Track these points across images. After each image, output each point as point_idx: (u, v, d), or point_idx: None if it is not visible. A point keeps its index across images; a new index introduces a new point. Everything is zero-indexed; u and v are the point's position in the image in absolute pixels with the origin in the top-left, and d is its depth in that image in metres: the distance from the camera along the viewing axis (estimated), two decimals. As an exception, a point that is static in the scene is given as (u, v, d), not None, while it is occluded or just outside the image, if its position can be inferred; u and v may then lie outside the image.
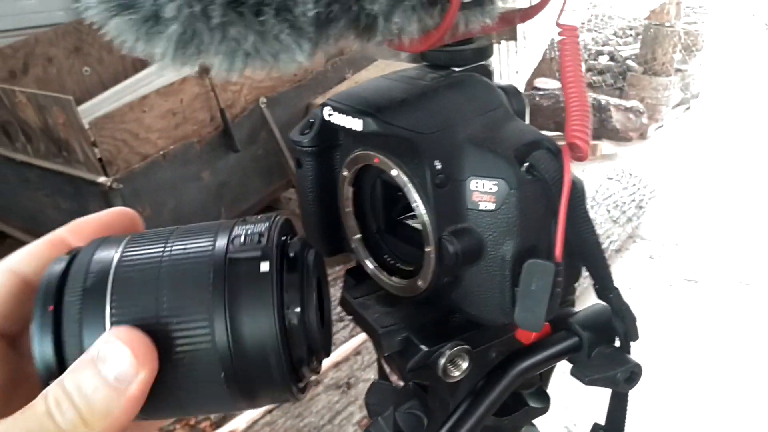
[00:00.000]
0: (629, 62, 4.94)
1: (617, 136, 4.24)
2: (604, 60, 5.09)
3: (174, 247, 0.33)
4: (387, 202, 0.46)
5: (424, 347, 0.42)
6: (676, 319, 2.52)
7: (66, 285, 0.32)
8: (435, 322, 0.44)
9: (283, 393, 0.33)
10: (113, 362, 0.30)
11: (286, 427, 2.16)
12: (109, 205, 1.88)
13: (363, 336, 2.52)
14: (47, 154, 2.39)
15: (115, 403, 0.30)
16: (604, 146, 4.22)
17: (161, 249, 0.33)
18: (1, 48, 2.95)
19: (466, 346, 0.43)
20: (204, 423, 2.13)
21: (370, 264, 0.47)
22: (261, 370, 0.32)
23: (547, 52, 4.52)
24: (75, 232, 0.37)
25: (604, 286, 0.43)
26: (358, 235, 0.47)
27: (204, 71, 2.59)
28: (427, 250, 0.41)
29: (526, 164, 0.39)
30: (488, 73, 0.44)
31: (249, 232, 0.34)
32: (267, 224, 0.34)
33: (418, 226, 0.42)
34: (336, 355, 2.42)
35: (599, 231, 2.85)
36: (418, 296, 0.43)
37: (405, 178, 0.40)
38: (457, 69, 0.43)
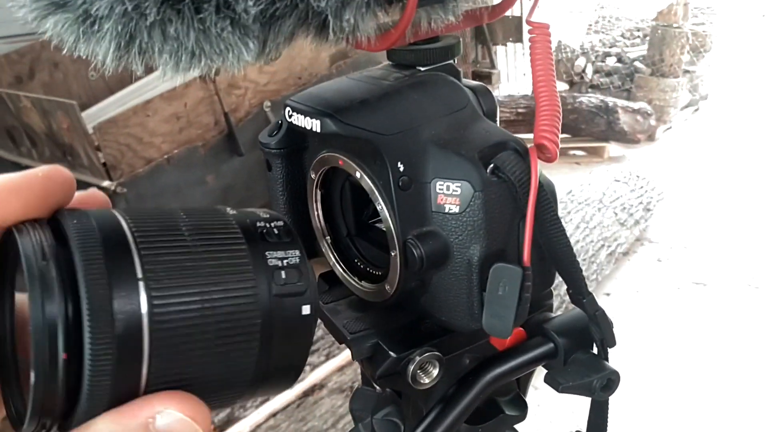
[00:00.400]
0: (637, 64, 4.91)
1: (625, 138, 4.21)
2: (611, 61, 5.06)
3: (212, 294, 0.29)
4: (356, 204, 0.45)
5: (393, 353, 0.41)
6: (684, 323, 2.49)
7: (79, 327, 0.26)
8: (405, 328, 0.43)
9: None
10: None
11: (289, 431, 2.16)
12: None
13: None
14: (52, 158, 2.41)
15: None
16: (612, 148, 4.19)
17: (199, 277, 0.29)
18: (8, 53, 2.97)
19: (436, 353, 0.42)
20: (207, 427, 2.12)
21: (339, 268, 0.46)
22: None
23: (554, 54, 4.49)
24: None
25: (577, 291, 0.41)
26: (328, 239, 0.46)
27: (207, 75, 2.60)
28: (392, 254, 0.40)
29: (491, 165, 0.38)
30: (455, 73, 0.43)
31: (285, 262, 0.32)
32: (298, 251, 0.33)
33: (385, 229, 0.41)
34: (340, 359, 2.42)
35: (607, 234, 2.84)
36: (387, 301, 0.42)
37: (369, 181, 0.39)
38: (422, 68, 0.42)
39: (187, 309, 0.28)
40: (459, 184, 0.37)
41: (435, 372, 0.42)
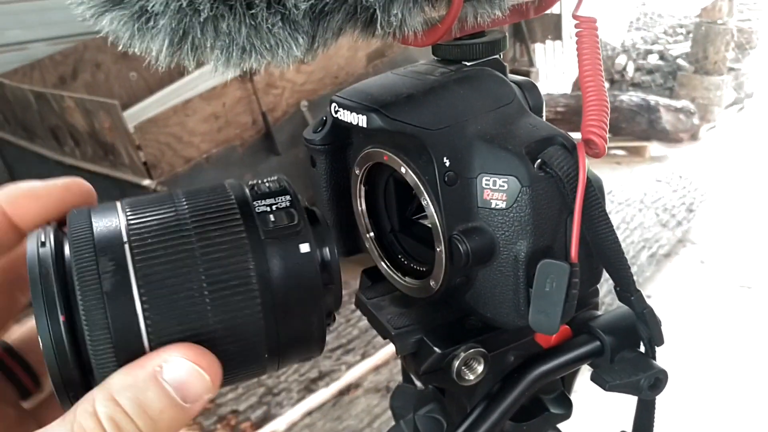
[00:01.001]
0: (680, 61, 4.81)
1: (667, 137, 4.13)
2: (653, 59, 4.97)
3: (199, 233, 0.31)
4: (400, 200, 0.45)
5: (437, 349, 0.41)
6: (728, 327, 2.43)
7: (73, 283, 0.29)
8: (450, 324, 0.43)
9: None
10: (186, 383, 0.28)
11: (325, 430, 2.17)
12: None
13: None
14: (94, 157, 2.45)
15: (180, 422, 0.29)
16: (654, 148, 4.11)
17: (183, 233, 0.31)
18: (52, 55, 3.05)
19: (481, 349, 0.41)
20: (245, 424, 2.15)
21: (383, 264, 0.46)
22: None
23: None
24: (18, 205, 0.34)
25: (625, 288, 0.41)
26: (372, 235, 0.46)
27: (246, 74, 2.63)
28: (437, 249, 0.40)
29: (539, 161, 0.37)
30: (501, 68, 0.43)
31: (274, 207, 0.33)
32: (288, 196, 0.34)
33: (430, 225, 0.41)
34: (376, 359, 2.42)
35: (648, 235, 2.79)
36: (432, 297, 0.42)
37: (414, 176, 0.39)
38: (468, 63, 0.42)
39: (173, 260, 0.30)
40: (506, 180, 0.37)
41: (480, 368, 0.42)
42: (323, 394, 2.27)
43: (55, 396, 0.30)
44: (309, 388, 2.33)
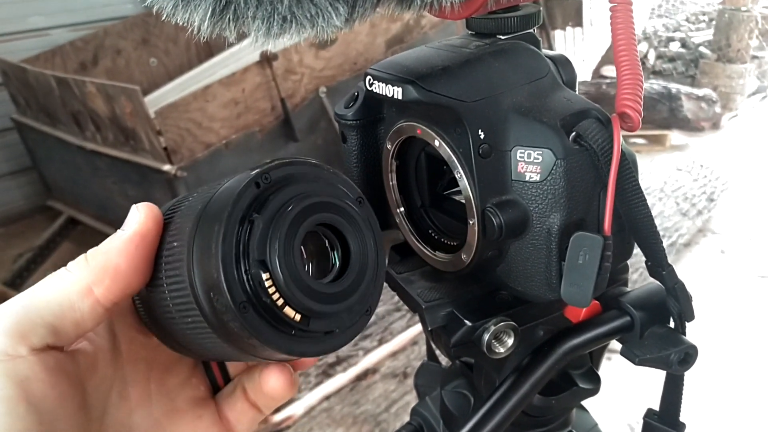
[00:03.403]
0: (702, 49, 4.75)
1: (688, 125, 4.09)
2: (675, 47, 4.91)
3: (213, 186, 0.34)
4: (431, 175, 0.46)
5: (468, 322, 0.42)
6: (748, 316, 2.41)
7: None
8: (480, 298, 0.44)
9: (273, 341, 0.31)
10: (126, 220, 0.33)
11: (343, 414, 2.19)
12: (173, 193, 1.91)
13: (420, 326, 2.52)
14: (115, 142, 2.47)
15: (113, 243, 0.33)
16: (674, 136, 4.07)
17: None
18: (73, 41, 3.07)
19: (511, 323, 0.42)
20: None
21: (414, 238, 0.46)
22: (222, 313, 0.30)
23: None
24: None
25: (657, 263, 0.41)
26: (403, 210, 0.47)
27: (266, 59, 2.63)
28: (470, 222, 0.40)
29: (573, 134, 0.38)
30: (535, 41, 0.43)
31: (263, 163, 0.33)
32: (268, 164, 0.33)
33: (462, 199, 0.41)
34: (393, 344, 2.43)
35: (668, 224, 2.77)
36: (463, 271, 0.42)
37: (448, 149, 0.40)
38: (502, 37, 0.42)
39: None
40: (540, 152, 0.37)
41: (510, 342, 0.42)
42: (341, 379, 2.29)
43: None
44: (327, 372, 2.35)
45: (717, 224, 3.09)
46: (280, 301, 0.30)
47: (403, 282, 0.46)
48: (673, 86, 4.20)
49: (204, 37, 0.34)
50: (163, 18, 0.33)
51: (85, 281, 0.32)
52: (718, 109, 4.15)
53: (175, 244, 0.32)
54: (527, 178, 0.38)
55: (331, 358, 2.44)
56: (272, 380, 0.36)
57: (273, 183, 0.32)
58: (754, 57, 4.68)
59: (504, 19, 0.41)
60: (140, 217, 0.33)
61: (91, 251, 0.33)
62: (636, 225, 0.39)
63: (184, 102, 2.42)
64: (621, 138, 0.38)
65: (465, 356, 0.46)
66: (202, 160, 2.48)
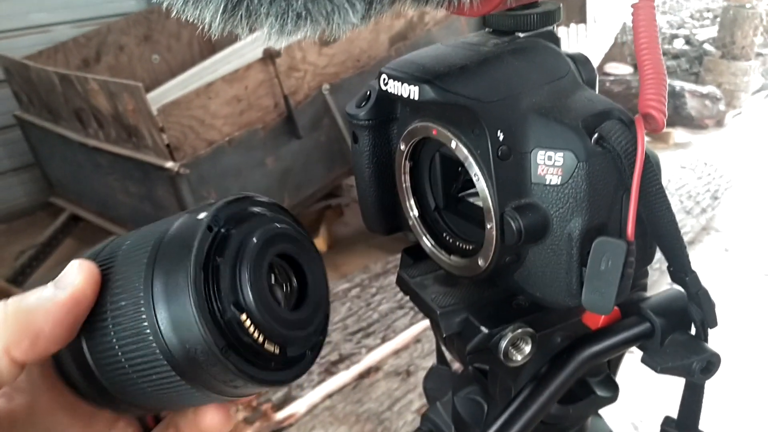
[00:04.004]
0: (706, 46, 4.73)
1: (692, 123, 4.07)
2: (679, 44, 4.89)
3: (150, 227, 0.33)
4: (446, 177, 0.44)
5: (484, 329, 0.40)
6: (752, 315, 2.40)
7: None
8: (496, 303, 0.42)
9: (248, 382, 0.31)
10: (60, 276, 0.31)
11: (345, 412, 2.18)
12: (176, 190, 1.90)
13: (423, 324, 2.51)
14: (118, 139, 2.46)
15: (41, 304, 0.30)
16: (678, 134, 4.05)
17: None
18: (76, 37, 3.06)
19: (528, 329, 0.41)
20: (265, 405, 2.17)
21: (428, 242, 0.45)
22: (200, 359, 0.30)
23: (619, 36, 4.37)
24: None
25: (680, 269, 0.40)
26: (416, 213, 0.45)
27: (270, 56, 2.61)
28: (488, 227, 0.39)
29: (596, 135, 0.36)
30: (555, 39, 0.41)
31: (204, 204, 0.33)
32: (223, 200, 0.33)
33: (479, 202, 0.40)
34: (396, 342, 2.42)
35: (670, 221, 2.75)
36: (479, 276, 0.41)
37: (465, 151, 0.38)
38: (521, 34, 0.41)
39: None
40: (562, 154, 0.36)
41: (527, 349, 0.41)
42: (343, 376, 2.28)
43: None
44: (329, 370, 2.34)
45: (721, 222, 3.07)
46: (261, 338, 0.31)
47: (417, 286, 0.45)
48: (677, 83, 4.19)
49: (215, 35, 0.32)
50: (173, 14, 0.32)
51: (1, 343, 0.29)
52: (722, 106, 4.13)
53: (123, 298, 0.31)
54: (548, 181, 0.37)
55: (333, 356, 2.43)
56: (209, 416, 0.34)
57: (224, 224, 0.32)
58: (759, 54, 4.66)
59: (523, 16, 0.40)
60: (78, 280, 0.31)
61: (12, 304, 0.30)
62: (659, 230, 0.38)
63: (187, 99, 2.41)
64: (645, 140, 0.36)
65: (480, 363, 0.45)
66: (204, 158, 2.47)
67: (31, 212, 3.38)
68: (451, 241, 0.44)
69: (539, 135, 0.37)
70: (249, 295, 0.30)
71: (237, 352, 0.30)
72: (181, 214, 0.33)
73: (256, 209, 0.34)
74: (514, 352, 0.41)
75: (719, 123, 4.16)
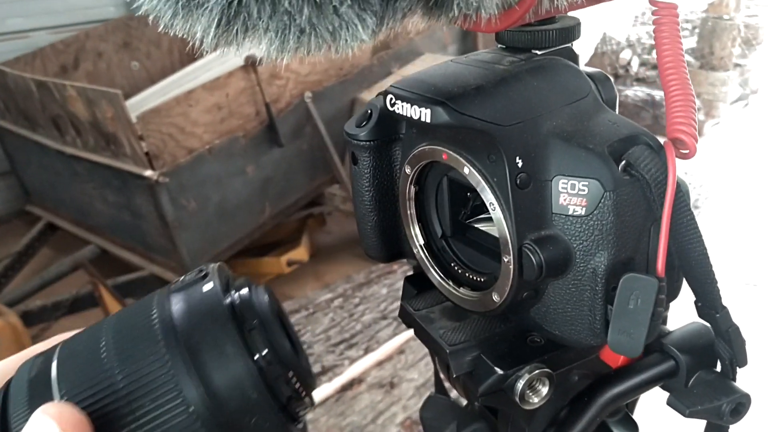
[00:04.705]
0: (685, 56, 4.77)
1: (672, 132, 4.08)
2: (658, 54, 4.91)
3: (114, 321, 0.31)
4: (454, 203, 0.41)
5: (499, 370, 0.37)
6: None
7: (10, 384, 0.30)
8: (510, 341, 0.39)
9: None
10: None
11: (328, 426, 2.14)
12: (155, 199, 1.86)
13: (407, 334, 2.47)
14: (96, 147, 2.41)
15: None
16: (658, 143, 4.06)
17: (100, 326, 0.31)
18: (54, 43, 3.00)
19: (546, 370, 0.37)
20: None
21: (435, 273, 0.42)
22: (251, 425, 0.29)
23: (599, 46, 4.38)
24: None
25: (710, 305, 0.37)
26: (421, 241, 0.42)
27: (251, 64, 2.58)
28: (505, 260, 0.35)
29: (623, 162, 0.33)
30: (574, 57, 0.38)
31: (186, 279, 0.32)
32: (204, 271, 0.33)
33: (494, 232, 0.37)
34: (379, 353, 2.39)
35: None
36: (493, 312, 0.38)
37: (479, 178, 0.35)
38: (538, 52, 0.38)
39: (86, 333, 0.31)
40: (586, 183, 0.33)
41: (545, 391, 0.38)
42: (326, 389, 2.25)
43: None
44: (311, 383, 2.30)
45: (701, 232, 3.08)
46: (302, 390, 0.32)
47: (423, 320, 0.42)
48: (657, 93, 4.20)
49: (207, 51, 0.29)
50: (160, 29, 0.28)
51: None
52: (701, 116, 4.15)
53: (152, 399, 0.28)
54: (570, 212, 0.34)
55: (316, 368, 2.39)
56: None
57: (228, 289, 0.32)
58: (737, 65, 4.70)
59: (541, 32, 0.37)
60: None
61: None
62: (689, 263, 0.35)
63: (167, 106, 2.37)
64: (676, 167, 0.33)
65: (492, 404, 0.42)
66: (184, 166, 2.43)
67: (6, 220, 3.30)
68: (460, 272, 0.41)
69: (561, 161, 0.34)
70: (286, 350, 0.31)
71: (286, 410, 0.31)
72: (159, 294, 0.32)
73: (228, 272, 0.34)
74: (531, 395, 0.38)
75: (698, 133, 4.18)
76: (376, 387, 2.28)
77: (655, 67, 4.79)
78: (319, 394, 2.20)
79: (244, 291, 0.32)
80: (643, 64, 4.87)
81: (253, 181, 2.73)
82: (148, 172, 2.29)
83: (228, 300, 0.31)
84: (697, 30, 4.84)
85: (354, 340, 2.54)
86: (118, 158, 2.36)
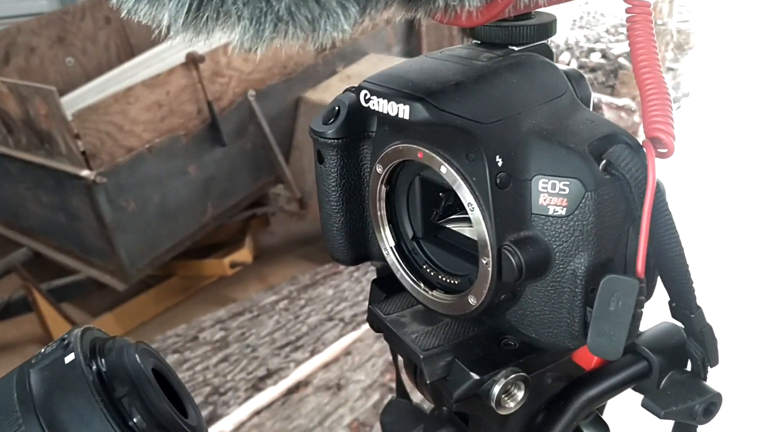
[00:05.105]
0: (621, 60, 4.90)
1: (609, 134, 4.20)
2: (596, 57, 5.04)
3: None
4: (426, 203, 0.40)
5: (475, 375, 0.36)
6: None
7: None
8: (484, 344, 0.38)
9: None
10: None
11: (274, 430, 2.11)
12: (92, 200, 1.80)
13: (353, 335, 2.46)
14: (29, 146, 2.32)
15: None
16: (596, 144, 4.17)
17: None
18: (-18, 37, 2.86)
19: (522, 374, 0.36)
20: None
21: (405, 275, 0.40)
22: None
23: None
24: None
25: (684, 305, 0.37)
26: (392, 242, 0.41)
27: (193, 61, 2.52)
28: (483, 262, 0.34)
29: (604, 162, 0.33)
30: (550, 54, 0.38)
31: (47, 351, 0.31)
32: (66, 340, 0.31)
33: (469, 233, 0.35)
34: (325, 355, 2.37)
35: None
36: (468, 315, 0.37)
37: (457, 177, 0.34)
38: (516, 48, 0.37)
39: None
40: (567, 182, 0.32)
41: (520, 395, 0.37)
42: (271, 392, 2.22)
43: None
44: (257, 386, 2.27)
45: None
46: None
47: (393, 325, 0.40)
48: (594, 95, 4.30)
49: (173, 40, 0.27)
50: (123, 15, 0.26)
51: None
52: (636, 118, 4.28)
53: None
54: (551, 212, 0.33)
55: (261, 371, 2.35)
56: None
57: (91, 356, 0.31)
58: (669, 69, 4.87)
59: (518, 28, 0.36)
60: None
61: None
62: (666, 263, 0.35)
63: (104, 104, 2.29)
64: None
65: (465, 410, 0.41)
66: (123, 166, 2.35)
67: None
68: (432, 274, 0.40)
69: (542, 161, 0.33)
70: (164, 413, 0.29)
71: None
72: (18, 373, 0.30)
73: (96, 334, 0.33)
74: (507, 399, 0.37)
75: (634, 134, 4.31)
76: (323, 389, 2.26)
77: (593, 69, 4.92)
78: (264, 397, 2.17)
79: (113, 356, 0.30)
80: (581, 67, 4.99)
81: (195, 181, 2.67)
82: (85, 172, 2.21)
83: (94, 368, 0.30)
84: (632, 35, 4.99)
85: (300, 342, 2.51)
86: (53, 157, 2.27)
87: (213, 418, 2.11)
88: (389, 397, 0.58)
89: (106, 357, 0.30)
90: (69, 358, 0.29)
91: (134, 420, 0.28)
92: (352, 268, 2.88)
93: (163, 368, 0.33)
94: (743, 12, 6.07)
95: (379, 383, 2.24)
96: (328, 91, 2.87)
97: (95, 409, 0.28)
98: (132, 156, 2.39)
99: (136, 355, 0.31)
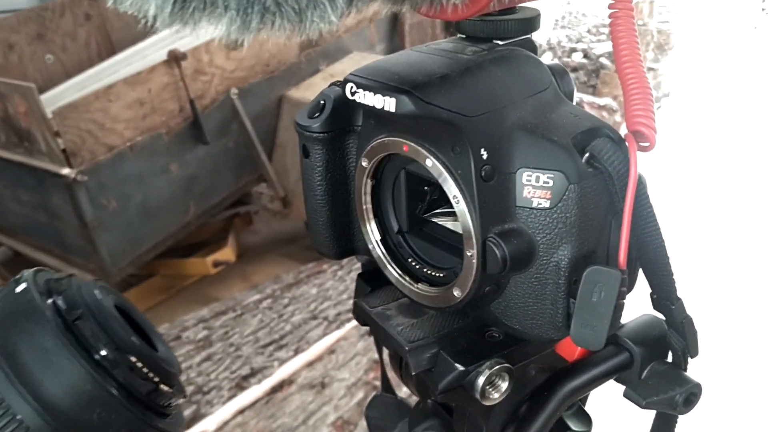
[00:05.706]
0: (603, 60, 4.95)
1: (591, 133, 4.23)
2: (577, 57, 5.08)
3: None
4: (411, 197, 0.40)
5: (459, 366, 0.36)
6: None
7: None
8: (469, 336, 0.38)
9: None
10: None
11: (258, 428, 2.11)
12: (73, 198, 1.78)
13: (337, 334, 2.46)
14: (8, 144, 2.29)
15: None
16: (578, 143, 4.20)
17: None
18: (-41, 33, 2.82)
19: (506, 365, 0.37)
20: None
21: (391, 269, 0.41)
22: (95, 419, 0.28)
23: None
24: None
25: (665, 296, 0.37)
26: (377, 236, 0.41)
27: (175, 59, 2.50)
28: (468, 254, 0.34)
29: (587, 155, 0.33)
30: (534, 48, 0.38)
31: None
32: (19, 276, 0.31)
33: (453, 226, 0.36)
34: (309, 354, 2.37)
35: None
36: (453, 307, 0.37)
37: (443, 170, 0.34)
38: (500, 42, 0.37)
39: None
40: (551, 175, 0.33)
41: (504, 386, 0.37)
42: (255, 391, 2.21)
43: None
44: (240, 385, 2.26)
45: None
46: (156, 377, 0.30)
47: (379, 318, 0.40)
48: (576, 95, 4.35)
49: (159, 31, 0.27)
50: (108, 4, 0.26)
51: None
52: (617, 117, 4.32)
53: None
54: (534, 204, 0.33)
55: (244, 370, 2.34)
56: None
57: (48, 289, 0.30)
58: (650, 69, 4.92)
59: (502, 22, 0.36)
60: None
61: None
62: (648, 255, 0.36)
63: (85, 101, 2.27)
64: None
65: (450, 401, 0.41)
66: (104, 164, 2.34)
67: None
68: (417, 267, 0.40)
69: (526, 154, 0.33)
70: (122, 336, 0.29)
71: (138, 401, 0.29)
72: None
73: (51, 275, 0.33)
74: (491, 390, 0.37)
75: (616, 134, 4.36)
76: (307, 388, 2.25)
77: (574, 69, 4.96)
78: (248, 396, 2.17)
79: (71, 291, 0.30)
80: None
81: (177, 179, 2.65)
82: (66, 171, 2.19)
83: (49, 299, 0.29)
84: (613, 35, 5.03)
85: (284, 341, 2.51)
86: (33, 156, 2.25)
87: (196, 417, 2.10)
88: (373, 394, 0.59)
89: (64, 293, 0.30)
90: (20, 287, 0.29)
91: (91, 342, 0.28)
92: (335, 266, 2.88)
93: (126, 305, 0.33)
94: (723, 13, 6.15)
95: (363, 381, 2.24)
96: (311, 90, 2.87)
97: (50, 331, 0.27)
98: (113, 154, 2.37)
99: (96, 290, 0.31)
